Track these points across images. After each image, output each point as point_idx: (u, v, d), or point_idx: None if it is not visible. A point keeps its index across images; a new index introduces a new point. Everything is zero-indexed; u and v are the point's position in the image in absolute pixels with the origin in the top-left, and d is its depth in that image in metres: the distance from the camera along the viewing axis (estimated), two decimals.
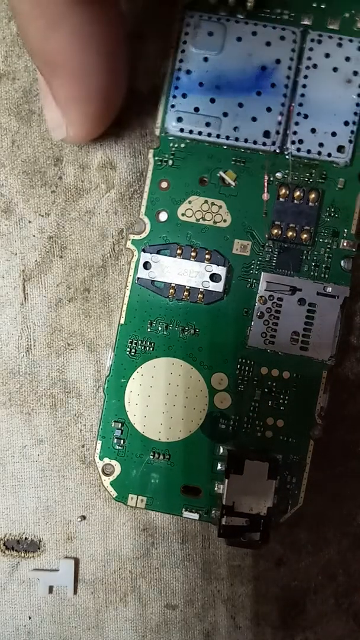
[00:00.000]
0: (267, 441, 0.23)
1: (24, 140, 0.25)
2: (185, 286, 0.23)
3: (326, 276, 0.23)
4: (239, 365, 0.23)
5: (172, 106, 0.23)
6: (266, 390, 0.23)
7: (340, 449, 0.25)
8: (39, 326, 0.25)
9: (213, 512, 0.23)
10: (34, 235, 0.25)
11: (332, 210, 0.23)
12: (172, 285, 0.23)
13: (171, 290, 0.23)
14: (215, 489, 0.23)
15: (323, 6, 0.23)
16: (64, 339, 0.25)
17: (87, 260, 0.25)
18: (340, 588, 0.25)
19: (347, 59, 0.23)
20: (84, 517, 0.25)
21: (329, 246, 0.23)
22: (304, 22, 0.23)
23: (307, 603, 0.25)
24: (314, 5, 0.23)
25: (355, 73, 0.23)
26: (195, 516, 0.23)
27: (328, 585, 0.25)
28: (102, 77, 0.20)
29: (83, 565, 0.25)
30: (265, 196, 0.23)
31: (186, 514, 0.23)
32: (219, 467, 0.23)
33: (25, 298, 0.25)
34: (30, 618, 0.25)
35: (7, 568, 0.25)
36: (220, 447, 0.23)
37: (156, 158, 0.24)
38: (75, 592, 0.25)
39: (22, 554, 0.25)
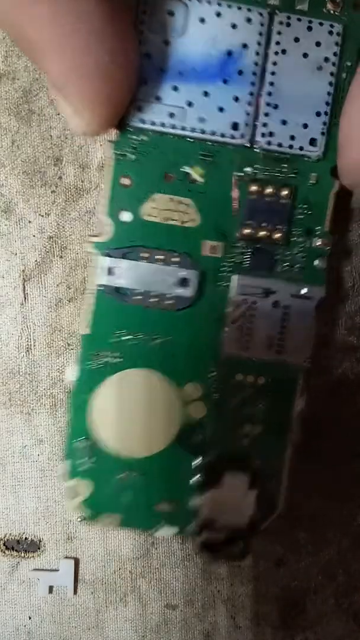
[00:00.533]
0: (244, 449, 0.23)
1: (24, 140, 0.24)
2: (153, 292, 0.22)
3: (301, 277, 0.22)
4: (213, 374, 0.22)
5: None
6: (242, 397, 0.23)
7: (340, 449, 0.24)
8: (39, 326, 0.24)
9: (191, 526, 0.22)
10: (34, 235, 0.24)
11: (306, 207, 0.22)
12: (139, 291, 0.22)
13: (138, 297, 0.22)
14: (193, 503, 0.22)
15: None
16: (64, 339, 0.24)
17: (87, 260, 0.24)
18: (340, 588, 0.25)
19: (318, 44, 0.21)
20: (84, 517, 0.24)
21: (302, 245, 0.22)
22: (270, 2, 0.21)
23: (307, 603, 0.25)
24: None
25: (326, 59, 0.21)
26: (173, 531, 0.22)
27: (328, 585, 0.25)
28: (117, 74, 0.18)
29: (83, 565, 0.25)
30: (235, 193, 0.22)
31: (162, 531, 0.22)
32: (196, 479, 0.22)
33: (25, 298, 0.24)
34: (30, 618, 0.25)
35: (7, 568, 0.25)
36: (197, 459, 0.22)
37: (116, 152, 0.21)
38: (75, 592, 0.25)
39: (22, 554, 0.25)
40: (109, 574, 0.25)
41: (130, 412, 0.22)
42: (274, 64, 0.21)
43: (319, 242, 0.22)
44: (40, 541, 0.25)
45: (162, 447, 0.22)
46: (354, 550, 0.25)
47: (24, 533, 0.25)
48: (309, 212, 0.22)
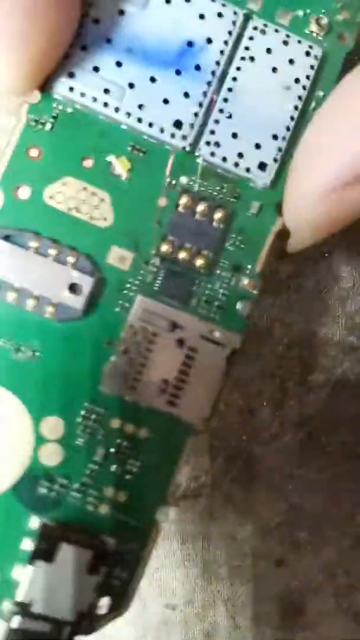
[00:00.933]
0: (99, 519, 0.17)
1: None
2: (32, 292, 0.17)
3: (217, 317, 0.18)
4: (83, 411, 0.18)
5: (66, 56, 0.17)
6: (113, 450, 0.18)
7: (340, 449, 0.24)
8: None
9: (4, 604, 0.17)
10: None
11: (239, 238, 0.18)
12: (15, 287, 0.17)
13: (12, 293, 0.17)
14: (14, 574, 0.17)
15: None
16: None
17: None
18: (340, 588, 0.24)
19: (291, 61, 0.19)
20: None
21: (227, 281, 0.18)
22: (249, 6, 0.19)
23: (307, 603, 0.24)
24: None
25: (297, 80, 0.19)
26: None
27: (328, 585, 0.24)
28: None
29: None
30: (162, 201, 0.18)
31: None
32: (25, 545, 0.17)
33: None
34: None
35: None
36: (35, 519, 0.17)
37: (31, 116, 0.18)
38: None
39: None
40: None
41: None
42: (238, 69, 0.18)
43: (245, 283, 0.18)
44: None
45: None
46: (354, 550, 0.25)
47: None
48: (242, 246, 0.18)
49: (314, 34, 0.19)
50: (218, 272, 0.18)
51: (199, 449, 0.24)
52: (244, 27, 0.18)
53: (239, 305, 0.18)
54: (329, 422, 0.24)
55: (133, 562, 0.17)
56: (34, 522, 0.17)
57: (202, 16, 0.18)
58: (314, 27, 0.19)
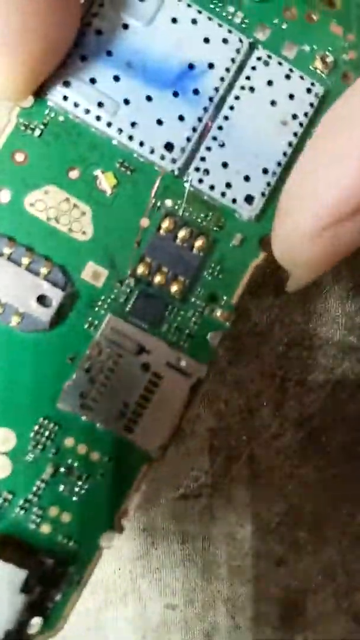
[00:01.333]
0: (40, 537, 0.17)
1: None
2: (0, 299, 0.17)
3: (186, 345, 0.18)
4: (37, 427, 0.17)
5: (64, 64, 0.17)
6: (62, 469, 0.17)
7: (340, 449, 0.24)
8: None
9: None
10: None
11: (218, 268, 0.18)
12: None
13: None
14: None
15: (284, 26, 0.18)
16: None
17: None
18: (340, 588, 0.24)
19: (291, 96, 0.18)
20: None
21: (200, 310, 0.18)
22: (256, 35, 0.18)
23: (307, 603, 0.24)
24: (276, 21, 0.18)
25: (294, 116, 0.18)
26: None
27: (328, 585, 0.24)
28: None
29: None
30: (145, 222, 0.18)
31: None
32: None
33: None
34: None
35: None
36: None
37: (21, 119, 0.17)
38: None
39: None
40: (109, 574, 0.24)
41: None
42: (236, 98, 0.18)
43: (219, 314, 0.18)
44: None
45: None
46: (354, 550, 0.25)
47: None
48: (220, 276, 0.18)
49: (319, 71, 0.19)
50: (192, 299, 0.18)
51: (199, 449, 0.24)
52: (248, 56, 0.18)
53: (209, 336, 0.18)
54: (329, 422, 0.24)
55: (70, 584, 0.17)
56: None
57: (207, 40, 0.18)
58: (319, 63, 0.19)
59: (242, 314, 0.24)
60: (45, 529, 0.17)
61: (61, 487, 0.17)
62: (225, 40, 0.18)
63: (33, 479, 0.17)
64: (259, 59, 0.18)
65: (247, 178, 0.18)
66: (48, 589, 0.17)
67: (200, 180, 0.18)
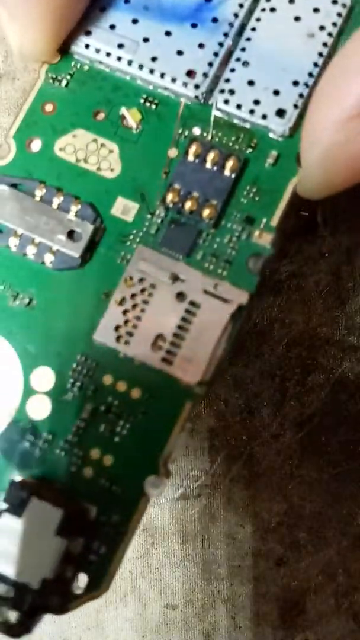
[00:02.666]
0: (82, 482, 0.16)
1: None
2: (33, 238, 0.17)
3: (224, 272, 0.17)
4: (75, 364, 0.16)
5: (84, 16, 0.18)
6: (102, 408, 0.16)
7: (340, 449, 0.24)
8: None
9: None
10: None
11: (254, 189, 0.17)
12: (17, 232, 0.17)
13: (14, 239, 0.17)
14: None
15: None
16: None
17: None
18: (340, 588, 0.24)
19: (316, 10, 0.17)
20: None
21: (237, 234, 0.17)
22: None
23: (307, 603, 0.24)
24: None
25: (321, 28, 0.17)
26: None
27: (328, 585, 0.24)
28: None
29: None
30: (173, 152, 0.17)
31: None
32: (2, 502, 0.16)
33: None
34: None
35: None
36: (15, 472, 0.16)
37: (50, 74, 0.18)
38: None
39: None
40: None
41: None
42: (258, 19, 0.18)
43: (258, 236, 0.17)
44: None
45: None
46: (354, 550, 0.24)
47: None
48: (256, 197, 0.17)
49: None
50: (228, 225, 0.17)
51: (199, 449, 0.24)
52: None
53: (250, 262, 0.17)
54: (329, 422, 0.24)
55: (115, 536, 0.16)
56: (14, 475, 0.16)
57: None
58: None
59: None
60: (87, 472, 0.16)
61: (102, 427, 0.16)
62: None
63: (73, 419, 0.16)
64: None
65: (276, 92, 0.17)
66: (91, 541, 0.16)
67: (226, 101, 0.17)
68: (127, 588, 0.24)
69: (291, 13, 0.18)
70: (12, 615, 0.14)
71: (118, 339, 0.16)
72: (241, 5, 0.18)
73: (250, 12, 0.18)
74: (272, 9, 0.18)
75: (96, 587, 0.15)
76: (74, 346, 0.17)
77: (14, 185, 0.17)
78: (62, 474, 0.16)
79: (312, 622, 0.24)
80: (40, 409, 0.16)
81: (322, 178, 0.16)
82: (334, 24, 0.17)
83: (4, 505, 0.15)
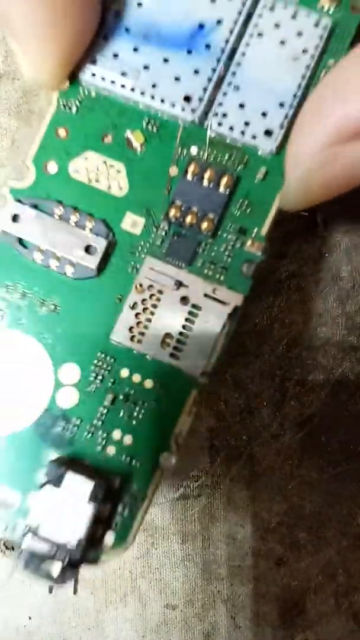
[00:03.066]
0: (107, 458, 0.19)
1: (24, 140, 0.24)
2: (55, 252, 0.20)
3: (221, 277, 0.19)
4: (96, 361, 0.19)
5: (90, 45, 0.20)
6: (121, 397, 0.19)
7: (340, 449, 0.24)
8: None
9: (19, 526, 0.19)
10: None
11: (245, 203, 0.19)
12: (41, 248, 0.20)
13: (38, 254, 0.20)
14: (29, 500, 0.19)
15: None
16: None
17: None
18: (340, 588, 0.24)
19: (300, 34, 0.19)
20: None
21: (232, 244, 0.19)
22: None
23: (307, 603, 0.24)
24: None
25: (304, 51, 0.19)
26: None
27: (328, 585, 0.24)
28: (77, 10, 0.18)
29: (83, 565, 0.23)
30: (173, 171, 0.20)
31: None
32: (40, 475, 0.19)
33: None
34: (30, 618, 0.25)
35: (7, 568, 0.25)
36: (50, 452, 0.19)
37: (61, 101, 0.20)
38: (75, 592, 0.23)
39: None
40: (109, 574, 0.24)
41: None
42: (247, 45, 0.19)
43: (250, 245, 0.19)
44: None
45: (18, 429, 0.19)
46: (354, 550, 0.24)
47: None
48: (248, 210, 0.19)
49: (325, 7, 0.20)
50: (224, 235, 0.19)
51: (199, 449, 0.24)
52: (254, 5, 0.19)
53: (244, 267, 0.19)
54: (329, 422, 0.24)
55: (135, 502, 0.19)
56: (50, 454, 0.19)
57: (213, 0, 0.20)
58: (325, 1, 0.19)
59: (243, 314, 0.23)
60: (111, 450, 0.19)
61: (121, 413, 0.19)
62: None
63: (96, 406, 0.19)
64: (264, 6, 0.19)
65: (264, 114, 0.19)
66: (116, 506, 0.19)
67: (220, 124, 0.19)
68: (127, 588, 0.25)
69: (277, 37, 0.19)
70: (56, 569, 0.18)
71: (132, 338, 0.19)
72: (231, 31, 0.19)
73: (240, 36, 0.20)
74: (260, 34, 0.19)
75: (121, 543, 0.19)
76: (95, 345, 0.19)
77: (35, 206, 0.20)
78: (90, 452, 0.19)
79: (312, 622, 0.24)
80: (68, 399, 0.19)
81: (301, 194, 0.18)
82: (316, 47, 0.19)
83: (45, 479, 0.18)
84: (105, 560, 0.19)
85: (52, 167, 0.20)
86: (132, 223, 0.20)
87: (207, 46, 0.20)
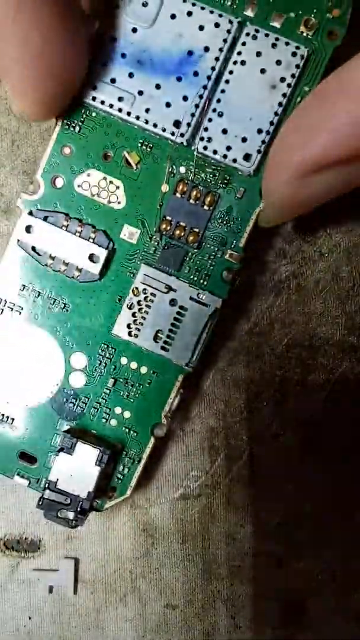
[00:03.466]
0: (110, 429, 0.24)
1: (24, 140, 0.25)
2: (63, 259, 0.23)
3: (205, 283, 0.23)
4: (100, 350, 0.23)
5: (90, 72, 0.22)
6: (121, 380, 0.23)
7: (340, 449, 0.24)
8: None
9: (43, 482, 0.24)
10: None
11: (226, 218, 0.22)
12: (52, 255, 0.23)
13: (50, 260, 0.23)
14: (49, 460, 0.23)
15: None
16: None
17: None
18: (340, 588, 0.25)
19: (278, 62, 0.21)
20: None
21: (214, 254, 0.23)
22: (246, 13, 0.22)
23: (307, 603, 0.25)
24: None
25: (282, 79, 0.21)
26: (25, 482, 0.24)
27: (328, 585, 0.25)
28: (58, 55, 0.19)
29: (83, 565, 0.25)
30: (165, 187, 0.23)
31: (17, 479, 0.24)
32: (57, 441, 0.23)
33: None
34: (30, 618, 0.25)
35: (7, 568, 0.25)
36: (64, 423, 0.24)
37: (65, 121, 0.23)
38: (75, 592, 0.25)
39: (22, 554, 0.25)
40: (109, 574, 0.25)
41: (13, 363, 0.23)
42: (231, 72, 0.22)
43: (228, 255, 0.22)
44: (40, 541, 0.25)
45: (36, 404, 0.23)
46: (354, 550, 0.25)
47: (24, 533, 0.25)
48: (228, 224, 0.22)
49: (304, 34, 0.21)
50: (208, 246, 0.23)
51: (199, 449, 0.25)
52: (238, 34, 0.21)
53: (224, 274, 0.23)
54: (329, 422, 0.24)
55: (133, 462, 0.24)
56: (64, 425, 0.24)
57: (201, 27, 0.21)
58: (303, 28, 0.21)
59: (243, 314, 0.24)
60: (113, 422, 0.23)
61: (122, 393, 0.23)
62: (217, 25, 0.21)
63: (101, 388, 0.23)
64: (247, 34, 0.21)
65: (244, 139, 0.22)
66: (117, 466, 0.24)
67: (205, 147, 0.22)
68: (127, 588, 0.25)
69: (258, 65, 0.21)
70: (70, 515, 0.23)
71: (129, 333, 0.23)
72: (217, 59, 0.22)
73: (225, 63, 0.22)
74: (243, 62, 0.22)
75: (121, 493, 0.24)
76: (99, 337, 0.23)
77: (45, 218, 0.23)
78: (96, 424, 0.24)
79: (312, 622, 0.24)
80: (78, 380, 0.24)
81: (277, 215, 0.21)
82: (293, 75, 0.21)
83: (60, 447, 0.23)
84: (109, 507, 0.24)
85: (59, 182, 0.23)
86: (129, 234, 0.23)
87: (195, 73, 0.22)
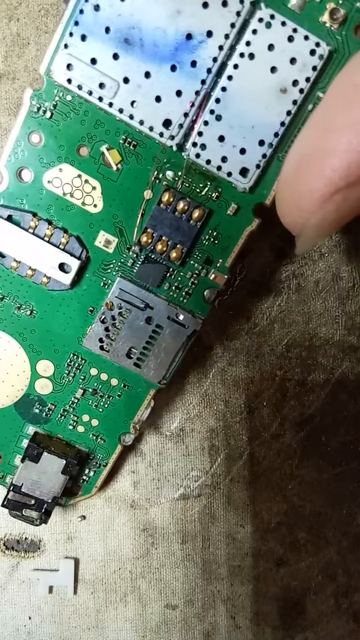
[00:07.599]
0: (77, 435, 0.23)
1: None
2: (29, 266, 0.21)
3: (185, 301, 0.21)
4: (69, 360, 0.22)
5: (65, 46, 0.18)
6: (90, 390, 0.23)
7: (340, 449, 0.24)
8: None
9: (8, 478, 0.24)
10: None
11: (214, 235, 0.20)
12: (16, 259, 0.21)
13: (13, 264, 0.21)
14: (15, 461, 0.23)
15: None
16: None
17: None
18: (340, 588, 0.25)
19: (293, 60, 0.18)
20: (84, 517, 0.25)
21: (197, 272, 0.21)
22: None
23: (307, 603, 0.25)
24: None
25: (294, 83, 0.18)
26: None
27: (328, 585, 0.25)
28: None
29: (83, 565, 0.25)
30: (148, 194, 0.20)
31: None
32: (23, 443, 0.23)
33: None
34: (30, 618, 0.25)
35: (7, 568, 0.25)
36: (29, 427, 0.23)
37: (33, 102, 0.19)
38: (75, 592, 0.25)
39: (22, 554, 0.25)
40: (109, 574, 0.25)
41: None
42: (235, 67, 0.18)
43: (213, 276, 0.21)
44: (40, 541, 0.25)
45: (0, 406, 0.23)
46: (354, 550, 0.25)
47: (24, 533, 0.25)
48: (216, 242, 0.20)
49: (327, 25, 0.18)
50: (191, 262, 0.21)
51: (199, 449, 0.24)
52: (249, 18, 0.18)
53: (206, 292, 0.21)
54: (329, 422, 0.24)
55: (99, 467, 0.24)
56: (29, 428, 0.23)
57: (205, 4, 0.18)
58: (327, 17, 0.18)
59: (243, 314, 0.23)
60: (80, 429, 0.23)
61: (90, 402, 0.23)
62: (225, 3, 0.17)
63: (69, 396, 0.23)
64: (260, 20, 0.18)
65: (242, 151, 0.19)
66: (84, 470, 0.24)
67: (198, 155, 0.19)
68: (127, 588, 0.25)
69: (269, 62, 0.18)
70: (34, 514, 0.23)
71: (101, 347, 0.22)
72: (221, 48, 0.18)
73: (229, 54, 0.18)
74: (251, 55, 0.18)
75: (87, 492, 0.24)
76: (68, 346, 0.22)
77: (9, 217, 0.20)
78: (63, 429, 0.23)
79: (312, 622, 0.24)
80: (44, 387, 0.23)
81: (316, 239, 0.16)
82: (307, 79, 0.18)
83: (25, 455, 0.22)
84: (72, 505, 0.24)
85: (27, 175, 0.20)
86: (106, 242, 0.21)
87: (193, 64, 0.18)
